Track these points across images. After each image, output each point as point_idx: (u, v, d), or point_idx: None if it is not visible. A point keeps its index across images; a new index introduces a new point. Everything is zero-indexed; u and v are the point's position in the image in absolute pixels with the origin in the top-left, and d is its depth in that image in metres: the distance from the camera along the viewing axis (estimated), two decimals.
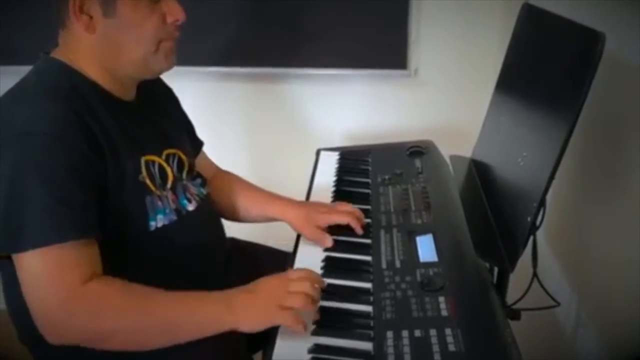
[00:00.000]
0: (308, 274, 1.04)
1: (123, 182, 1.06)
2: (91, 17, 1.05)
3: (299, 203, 1.35)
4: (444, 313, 0.99)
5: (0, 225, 0.97)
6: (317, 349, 0.95)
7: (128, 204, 1.07)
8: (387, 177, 1.48)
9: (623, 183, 1.18)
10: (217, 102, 2.17)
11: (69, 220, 0.97)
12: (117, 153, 1.06)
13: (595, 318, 1.29)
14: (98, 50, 1.08)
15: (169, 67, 1.14)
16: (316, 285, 1.02)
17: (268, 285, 1.02)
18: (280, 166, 2.24)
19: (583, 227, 1.36)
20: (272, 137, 2.26)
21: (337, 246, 1.24)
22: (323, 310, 1.03)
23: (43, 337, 1.00)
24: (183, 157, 1.22)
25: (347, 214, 1.27)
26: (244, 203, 1.38)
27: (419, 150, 1.58)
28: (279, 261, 1.29)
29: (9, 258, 0.99)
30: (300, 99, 2.21)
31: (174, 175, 1.17)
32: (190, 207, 1.18)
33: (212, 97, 2.14)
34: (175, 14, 1.10)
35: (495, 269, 1.17)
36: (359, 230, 1.26)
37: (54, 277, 0.96)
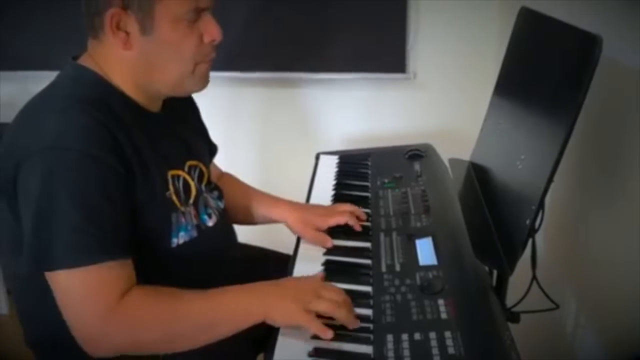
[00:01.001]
0: (340, 292, 1.04)
1: (152, 199, 1.05)
2: (128, 34, 1.03)
3: (299, 206, 1.36)
4: (444, 316, 0.99)
5: (29, 241, 0.95)
6: (316, 352, 0.95)
7: (155, 221, 1.06)
8: (386, 180, 1.48)
9: (621, 186, 1.18)
10: (220, 106, 2.17)
11: (99, 241, 0.95)
12: (147, 169, 1.04)
13: (594, 320, 1.30)
14: (133, 67, 1.06)
15: (202, 88, 1.13)
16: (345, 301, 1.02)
17: (299, 284, 1.04)
18: (280, 170, 2.24)
19: (582, 229, 1.37)
20: (273, 140, 2.27)
21: (337, 250, 1.24)
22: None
23: (48, 342, 1.00)
24: (203, 168, 1.21)
25: (345, 214, 1.29)
26: (249, 205, 1.39)
27: (418, 154, 1.58)
28: (280, 264, 1.30)
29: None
30: (301, 103, 2.22)
31: (197, 190, 1.16)
32: (210, 223, 1.17)
33: (215, 100, 2.15)
34: (213, 33, 1.07)
35: (495, 272, 1.18)
36: (358, 228, 1.28)
37: (91, 296, 0.95)
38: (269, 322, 0.98)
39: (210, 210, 1.19)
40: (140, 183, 1.03)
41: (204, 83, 1.12)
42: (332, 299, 1.00)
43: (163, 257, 1.08)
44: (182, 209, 1.11)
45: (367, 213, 1.35)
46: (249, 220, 1.40)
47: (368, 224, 1.32)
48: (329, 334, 0.96)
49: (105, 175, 0.97)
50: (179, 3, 1.02)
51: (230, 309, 1.00)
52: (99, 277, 0.95)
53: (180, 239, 1.10)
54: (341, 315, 0.98)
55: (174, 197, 1.09)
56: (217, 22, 1.08)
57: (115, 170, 0.99)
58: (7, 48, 1.98)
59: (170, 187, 1.09)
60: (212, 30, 1.07)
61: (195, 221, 1.13)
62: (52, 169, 0.95)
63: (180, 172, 1.13)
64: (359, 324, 1.00)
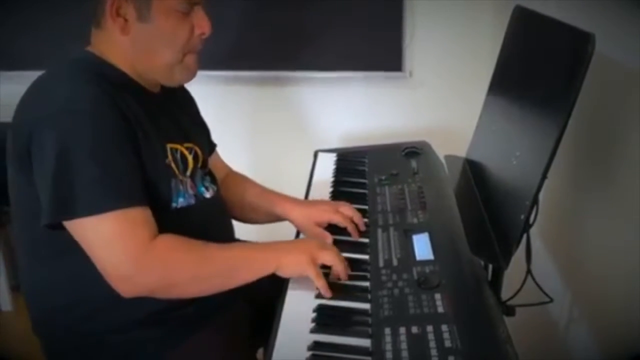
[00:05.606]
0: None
1: (154, 163, 1.11)
2: (126, 20, 1.10)
3: (301, 202, 1.39)
4: (440, 310, 1.01)
5: (49, 197, 1.01)
6: (316, 346, 0.97)
7: (157, 183, 1.12)
8: (383, 177, 1.50)
9: (615, 180, 1.20)
10: (217, 104, 2.18)
11: (120, 189, 1.03)
12: (148, 136, 1.11)
13: (588, 314, 1.31)
14: (130, 51, 1.13)
15: (190, 78, 1.20)
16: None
17: (306, 241, 1.22)
18: (279, 167, 2.25)
19: (576, 224, 1.38)
20: (271, 139, 2.28)
21: (336, 245, 1.25)
22: (322, 308, 1.06)
23: (57, 321, 1.07)
24: (199, 152, 1.25)
25: (347, 219, 1.29)
26: (254, 202, 1.41)
27: (414, 151, 1.60)
28: None
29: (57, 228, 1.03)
30: (298, 101, 2.23)
31: (194, 164, 1.21)
32: (207, 195, 1.24)
33: (213, 99, 2.15)
34: (203, 26, 1.14)
35: (490, 266, 1.19)
36: (355, 236, 1.28)
37: (122, 239, 1.02)
38: (280, 273, 1.09)
39: (207, 184, 1.25)
40: (144, 146, 1.09)
41: (191, 73, 1.19)
42: (335, 253, 1.12)
43: (165, 217, 1.12)
44: (180, 177, 1.16)
45: (364, 209, 1.37)
46: (254, 216, 1.42)
47: (365, 220, 1.33)
48: (329, 293, 1.07)
49: (117, 130, 1.05)
50: None
51: (249, 257, 1.11)
52: (128, 220, 1.03)
53: (180, 204, 1.15)
54: (340, 268, 1.10)
55: (173, 165, 1.15)
56: (209, 16, 1.14)
57: (124, 130, 1.06)
58: (7, 48, 2.00)
59: (169, 156, 1.15)
60: (202, 24, 1.14)
61: (192, 191, 1.19)
62: (66, 129, 1.01)
63: (178, 146, 1.18)
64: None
